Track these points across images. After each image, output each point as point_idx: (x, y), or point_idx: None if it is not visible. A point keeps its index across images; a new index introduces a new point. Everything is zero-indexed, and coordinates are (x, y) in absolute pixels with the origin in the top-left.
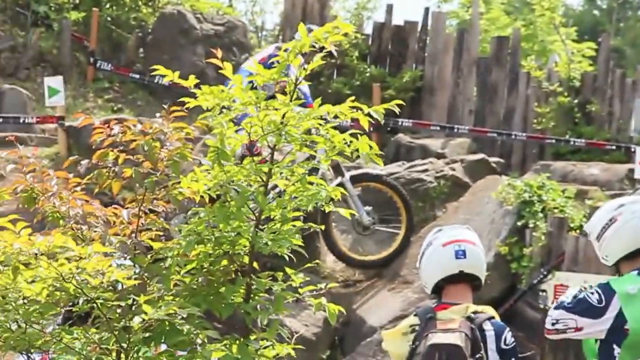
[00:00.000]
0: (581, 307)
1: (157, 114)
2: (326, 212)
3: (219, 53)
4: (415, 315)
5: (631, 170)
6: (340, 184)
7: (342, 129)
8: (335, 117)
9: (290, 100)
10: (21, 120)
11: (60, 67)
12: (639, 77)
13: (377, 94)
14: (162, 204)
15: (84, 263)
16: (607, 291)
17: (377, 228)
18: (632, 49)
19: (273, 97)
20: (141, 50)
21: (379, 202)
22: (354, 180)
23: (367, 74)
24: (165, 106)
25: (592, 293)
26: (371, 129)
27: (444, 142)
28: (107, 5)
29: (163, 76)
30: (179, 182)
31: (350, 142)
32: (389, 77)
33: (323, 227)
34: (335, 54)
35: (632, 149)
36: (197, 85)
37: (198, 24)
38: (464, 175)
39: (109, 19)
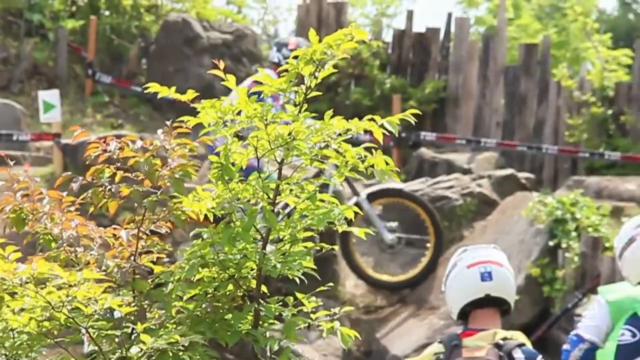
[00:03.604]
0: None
1: (159, 130)
2: (345, 231)
3: (222, 64)
4: (440, 342)
5: None
6: (357, 204)
7: (358, 143)
8: (347, 130)
9: (300, 112)
10: (14, 138)
11: (56, 80)
12: None
13: (398, 106)
14: (164, 224)
15: (74, 291)
16: (637, 323)
17: (402, 246)
18: None
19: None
20: (144, 61)
21: (402, 220)
22: (373, 197)
23: (387, 85)
24: (168, 122)
25: (623, 334)
26: (391, 143)
27: (470, 156)
28: (107, 13)
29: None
30: (181, 202)
31: (365, 156)
32: (410, 87)
33: (338, 248)
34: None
35: None
36: (199, 99)
37: (205, 33)
38: (491, 192)
39: (108, 27)
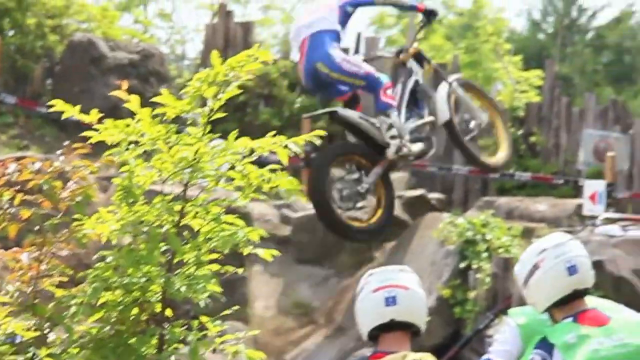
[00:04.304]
0: None
1: (58, 152)
2: None
3: (125, 84)
4: None
5: (580, 206)
6: (450, 91)
7: (267, 164)
8: (252, 152)
9: (204, 134)
10: None
11: None
12: (586, 106)
13: (307, 126)
14: (65, 247)
15: None
16: (546, 347)
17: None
18: (580, 76)
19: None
20: (49, 81)
21: None
22: (466, 86)
23: (297, 105)
24: (68, 142)
25: (533, 358)
26: (301, 164)
27: None
28: (11, 33)
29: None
30: (83, 224)
31: (269, 178)
32: (320, 107)
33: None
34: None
35: (581, 183)
36: (105, 120)
37: (111, 53)
38: (402, 212)
39: (12, 47)
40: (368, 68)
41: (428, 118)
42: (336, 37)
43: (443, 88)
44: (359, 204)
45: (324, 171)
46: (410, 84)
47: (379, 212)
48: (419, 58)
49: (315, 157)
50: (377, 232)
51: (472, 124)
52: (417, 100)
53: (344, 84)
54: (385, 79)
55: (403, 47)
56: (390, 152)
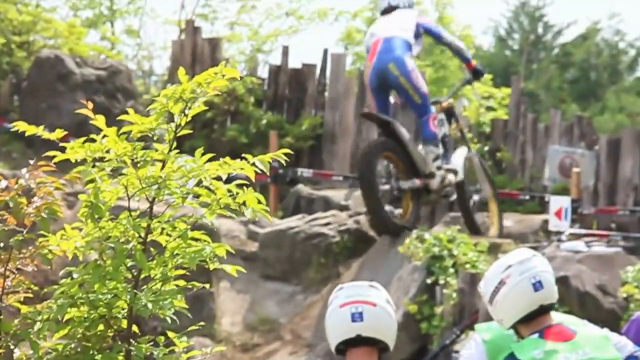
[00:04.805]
0: None
1: (24, 170)
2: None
3: (90, 104)
4: None
5: (546, 222)
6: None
7: (235, 179)
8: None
9: (170, 150)
10: None
11: None
12: (552, 122)
13: (275, 142)
14: (30, 263)
15: None
16: None
17: None
18: (546, 93)
19: None
20: (16, 97)
21: None
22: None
23: (264, 121)
24: (34, 160)
25: None
26: (269, 179)
27: (347, 193)
28: None
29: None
30: (48, 240)
31: (237, 193)
32: (287, 124)
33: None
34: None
35: (547, 199)
36: (72, 136)
37: (78, 69)
38: (369, 228)
39: None
40: (427, 90)
41: (453, 166)
42: (409, 47)
43: (463, 151)
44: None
45: (373, 163)
46: (440, 133)
47: (410, 207)
48: (450, 114)
49: (365, 149)
50: (412, 225)
51: (476, 196)
52: (445, 151)
53: (403, 93)
54: (433, 108)
55: (439, 99)
56: (435, 183)
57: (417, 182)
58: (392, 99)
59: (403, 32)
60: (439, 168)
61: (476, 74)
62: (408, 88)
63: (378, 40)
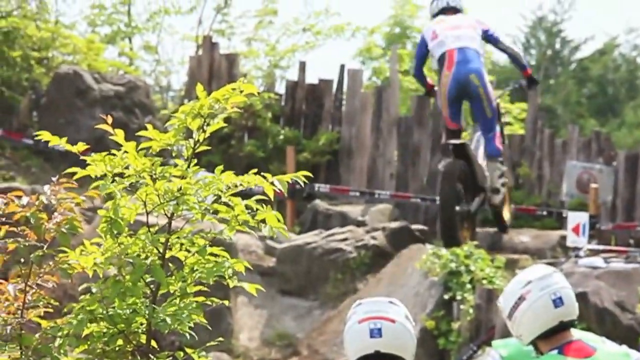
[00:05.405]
0: None
1: (46, 186)
2: None
3: (110, 119)
4: None
5: (563, 237)
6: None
7: (252, 194)
8: (237, 186)
9: (189, 166)
10: None
11: None
12: (570, 137)
13: (292, 158)
14: (50, 278)
15: None
16: None
17: None
18: (564, 108)
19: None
20: (35, 113)
21: None
22: None
23: (281, 136)
24: (57, 175)
25: None
26: (286, 195)
27: (364, 208)
28: None
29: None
30: (68, 255)
31: (257, 209)
32: (304, 139)
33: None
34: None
35: (564, 215)
36: (91, 152)
37: (96, 85)
38: (386, 244)
39: None
40: (497, 105)
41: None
42: (481, 58)
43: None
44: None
45: (454, 188)
46: None
47: (472, 227)
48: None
49: (446, 174)
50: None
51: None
52: None
53: (478, 104)
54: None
55: None
56: (498, 199)
57: (481, 201)
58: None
59: (474, 43)
60: (503, 185)
61: (531, 82)
62: (484, 100)
63: (453, 51)
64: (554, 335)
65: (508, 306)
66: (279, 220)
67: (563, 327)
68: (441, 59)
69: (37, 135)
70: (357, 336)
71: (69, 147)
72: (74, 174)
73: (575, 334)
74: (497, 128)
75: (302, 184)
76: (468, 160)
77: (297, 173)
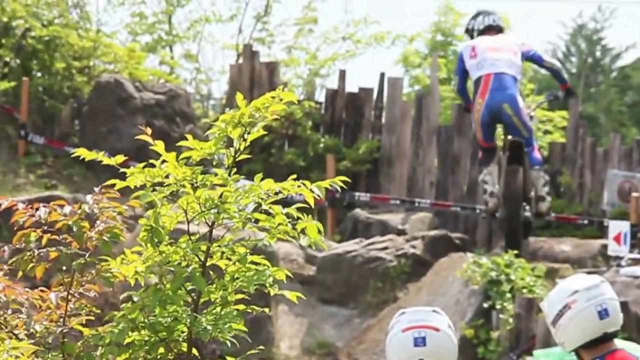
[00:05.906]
0: None
1: (88, 196)
2: None
3: (149, 130)
4: None
5: (604, 246)
6: None
7: (292, 203)
8: (277, 192)
9: (229, 175)
10: None
11: None
12: (611, 146)
13: (332, 166)
14: (92, 287)
15: (3, 358)
16: None
17: None
18: (606, 116)
19: None
20: (76, 121)
21: None
22: None
23: (321, 145)
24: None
25: None
26: (326, 203)
27: (404, 217)
28: (39, 74)
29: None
30: (109, 264)
31: (298, 218)
32: (344, 147)
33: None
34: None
35: (605, 224)
36: (132, 160)
37: (137, 93)
38: (425, 253)
39: (40, 88)
40: (531, 123)
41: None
42: (517, 84)
43: None
44: None
45: (521, 196)
46: None
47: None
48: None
49: (513, 181)
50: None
51: None
52: None
53: (512, 129)
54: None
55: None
56: (545, 206)
57: (529, 207)
58: None
59: (512, 69)
60: (548, 193)
61: (569, 93)
62: (518, 125)
63: (489, 76)
64: (597, 345)
65: (552, 313)
66: (319, 231)
67: (607, 337)
68: (477, 82)
69: (78, 146)
70: (401, 345)
71: (107, 160)
72: (114, 184)
73: (618, 343)
74: (535, 142)
75: (343, 193)
76: (522, 163)
77: (335, 178)
